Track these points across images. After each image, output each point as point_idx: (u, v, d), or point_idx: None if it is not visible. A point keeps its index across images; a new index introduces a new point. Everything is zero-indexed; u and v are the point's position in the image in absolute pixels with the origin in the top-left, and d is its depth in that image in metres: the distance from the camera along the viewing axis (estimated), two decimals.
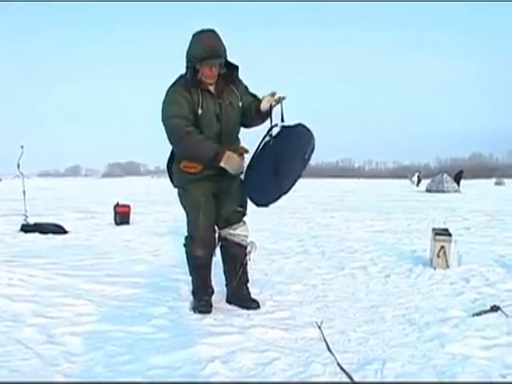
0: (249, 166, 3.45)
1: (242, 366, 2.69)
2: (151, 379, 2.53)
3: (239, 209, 3.75)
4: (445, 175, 31.48)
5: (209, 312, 3.65)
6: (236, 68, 3.59)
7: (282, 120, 3.34)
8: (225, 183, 3.64)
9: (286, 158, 3.33)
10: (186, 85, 3.45)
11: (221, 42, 3.39)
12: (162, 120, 3.46)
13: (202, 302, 3.72)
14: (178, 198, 3.78)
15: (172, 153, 3.72)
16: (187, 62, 3.44)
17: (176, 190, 3.78)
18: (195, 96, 3.44)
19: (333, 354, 2.80)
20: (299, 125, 3.40)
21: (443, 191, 29.31)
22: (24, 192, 9.70)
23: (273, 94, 3.44)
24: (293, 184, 3.46)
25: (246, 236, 3.79)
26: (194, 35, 3.40)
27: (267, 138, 3.39)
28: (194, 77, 3.43)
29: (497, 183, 48.35)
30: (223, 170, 3.46)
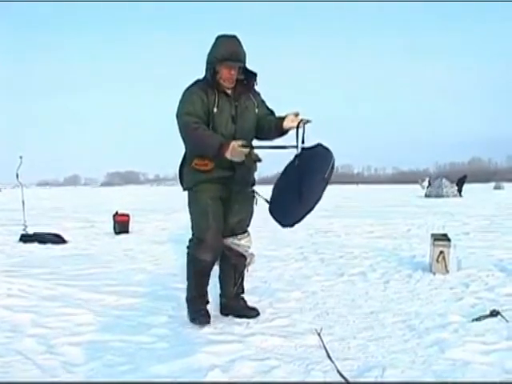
0: (274, 187, 3.42)
1: (242, 374, 2.69)
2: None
3: (246, 219, 3.74)
4: (444, 180, 31.50)
5: (208, 323, 3.58)
6: (254, 75, 3.61)
7: (303, 142, 3.30)
8: (235, 187, 3.60)
9: (308, 179, 3.29)
10: (203, 86, 3.50)
11: (242, 47, 3.47)
12: (176, 118, 3.49)
13: (200, 311, 3.65)
14: (186, 202, 3.71)
15: (184, 156, 3.70)
16: (208, 63, 3.49)
17: (184, 195, 3.72)
18: (211, 96, 3.47)
19: (333, 362, 2.79)
20: (319, 145, 3.35)
21: (442, 196, 29.34)
22: (23, 202, 9.71)
23: (296, 114, 3.44)
24: (315, 204, 3.41)
25: (249, 247, 3.77)
26: (218, 38, 3.49)
27: (292, 158, 3.36)
28: (214, 77, 3.48)
29: (496, 187, 48.38)
30: (233, 170, 3.48)
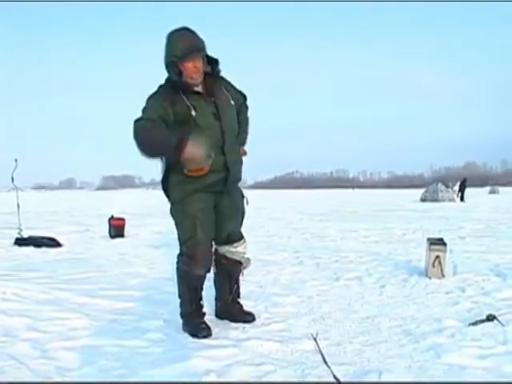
0: None
1: (238, 379, 2.67)
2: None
3: (239, 223, 3.67)
4: (439, 184, 31.63)
5: (211, 335, 3.39)
6: (216, 61, 3.40)
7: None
8: (226, 190, 3.44)
9: None
10: (168, 93, 3.25)
11: (198, 36, 3.24)
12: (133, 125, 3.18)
13: (201, 325, 3.47)
14: (172, 214, 3.52)
15: (167, 166, 3.41)
16: (168, 64, 3.24)
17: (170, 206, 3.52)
18: (182, 102, 3.23)
19: (329, 367, 2.78)
20: None
21: (438, 200, 29.46)
22: (18, 205, 9.66)
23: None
24: None
25: (245, 253, 3.71)
26: (169, 35, 3.23)
27: None
28: (180, 78, 3.24)
29: (491, 192, 48.59)
30: (227, 170, 3.33)
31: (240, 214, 3.66)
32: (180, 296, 3.59)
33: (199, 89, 3.35)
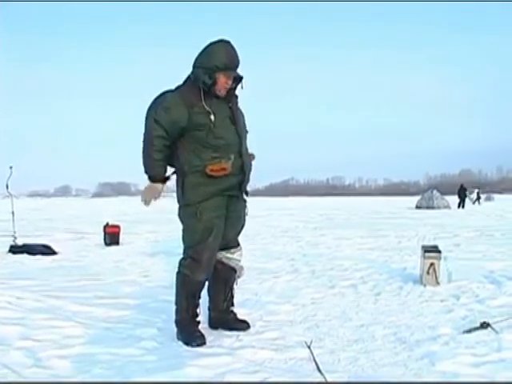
0: None
1: None
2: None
3: (240, 231, 3.70)
4: (434, 192, 31.73)
5: (205, 343, 3.39)
6: (240, 79, 3.48)
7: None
8: (236, 195, 3.54)
9: None
10: (187, 94, 3.36)
11: (238, 54, 3.39)
12: (146, 115, 3.43)
13: (195, 333, 3.44)
14: (181, 215, 3.52)
15: (182, 164, 3.43)
16: (204, 70, 3.31)
17: (180, 209, 3.52)
18: (200, 106, 3.32)
19: (322, 375, 2.78)
20: None
21: (433, 207, 29.53)
22: (13, 213, 9.63)
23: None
24: None
25: (240, 260, 3.72)
26: (215, 44, 3.34)
27: None
28: (212, 86, 3.34)
29: (486, 199, 48.74)
30: (243, 173, 3.48)
31: (241, 223, 3.70)
32: (177, 303, 3.57)
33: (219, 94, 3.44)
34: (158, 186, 3.49)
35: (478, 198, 39.51)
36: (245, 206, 3.69)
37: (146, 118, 3.42)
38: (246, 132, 3.62)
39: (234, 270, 3.71)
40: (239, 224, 3.68)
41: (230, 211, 3.53)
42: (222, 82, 3.35)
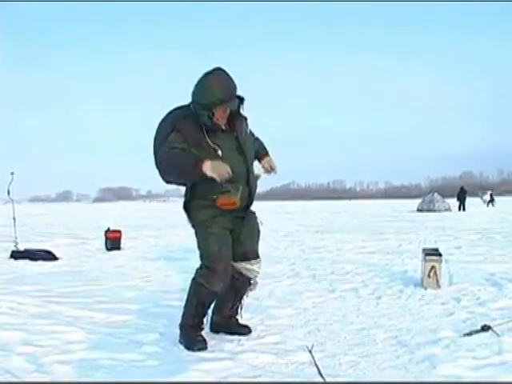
0: None
1: None
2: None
3: (257, 241, 3.69)
4: (435, 195, 31.73)
5: (207, 348, 3.40)
6: (241, 100, 3.44)
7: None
8: (240, 215, 3.55)
9: None
10: (189, 131, 3.31)
11: (232, 79, 3.30)
12: (154, 154, 3.43)
13: (197, 338, 3.46)
14: (194, 232, 3.56)
15: (191, 192, 3.48)
16: (202, 107, 3.26)
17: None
18: (206, 143, 3.29)
19: (324, 379, 2.78)
20: None
21: (434, 210, 29.52)
22: (14, 218, 9.65)
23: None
24: None
25: (258, 273, 3.70)
26: (206, 76, 3.26)
27: None
28: (210, 121, 3.29)
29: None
30: (250, 198, 3.52)
31: (256, 232, 3.69)
32: (185, 306, 3.58)
33: (223, 127, 3.42)
34: (208, 161, 3.17)
35: (492, 200, 39.36)
36: (255, 217, 3.70)
37: (156, 153, 3.42)
38: (254, 154, 3.65)
39: (248, 282, 3.69)
40: (253, 235, 3.65)
41: (240, 226, 3.56)
42: (221, 113, 3.33)
